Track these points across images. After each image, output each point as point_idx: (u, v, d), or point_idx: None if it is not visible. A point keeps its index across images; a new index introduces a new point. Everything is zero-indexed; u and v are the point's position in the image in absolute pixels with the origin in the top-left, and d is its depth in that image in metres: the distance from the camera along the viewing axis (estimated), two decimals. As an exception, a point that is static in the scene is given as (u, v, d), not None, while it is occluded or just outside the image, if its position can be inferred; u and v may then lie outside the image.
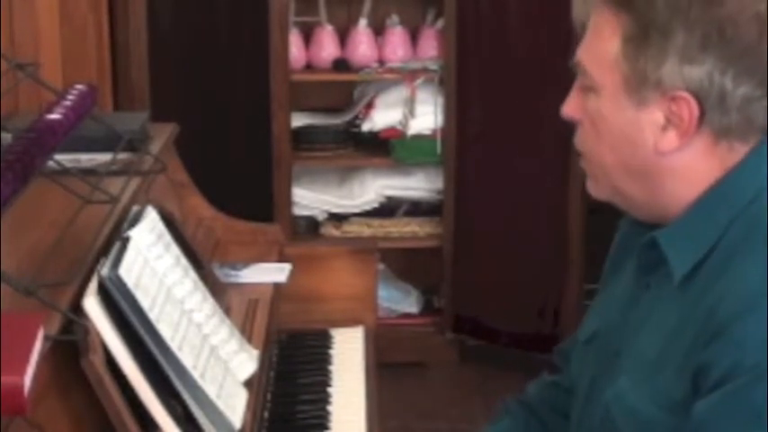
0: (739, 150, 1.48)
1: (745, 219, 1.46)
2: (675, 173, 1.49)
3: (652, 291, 1.55)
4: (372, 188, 4.19)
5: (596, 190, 1.58)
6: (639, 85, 1.47)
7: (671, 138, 1.48)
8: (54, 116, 1.83)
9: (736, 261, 1.43)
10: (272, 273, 2.34)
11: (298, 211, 4.14)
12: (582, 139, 1.57)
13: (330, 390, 2.17)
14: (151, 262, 1.73)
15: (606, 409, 1.56)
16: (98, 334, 1.53)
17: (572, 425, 1.69)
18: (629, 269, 1.61)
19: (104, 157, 2.08)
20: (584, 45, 1.54)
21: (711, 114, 1.46)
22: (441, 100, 4.05)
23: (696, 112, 1.45)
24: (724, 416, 1.38)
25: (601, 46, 1.50)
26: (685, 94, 1.45)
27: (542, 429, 1.82)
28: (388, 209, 4.24)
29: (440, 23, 4.10)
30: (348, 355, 2.33)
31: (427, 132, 4.09)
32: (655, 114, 1.47)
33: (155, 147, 2.30)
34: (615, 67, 1.48)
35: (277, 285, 2.30)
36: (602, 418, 1.57)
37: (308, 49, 4.13)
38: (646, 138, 1.49)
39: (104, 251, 1.70)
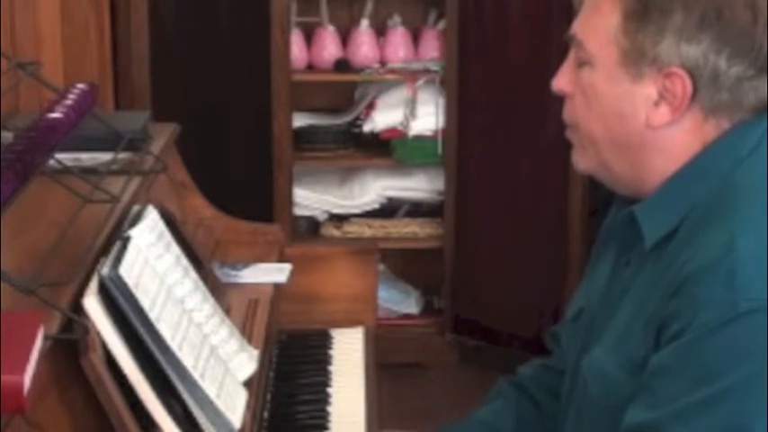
0: (724, 129, 1.53)
1: (717, 191, 1.50)
2: (662, 147, 1.53)
3: (631, 267, 1.59)
4: (373, 189, 4.19)
5: (581, 162, 1.62)
6: (637, 59, 1.51)
7: (663, 113, 1.52)
8: (55, 115, 1.83)
9: (705, 229, 1.47)
10: (273, 273, 2.34)
11: (298, 211, 4.15)
12: (572, 113, 1.60)
13: (330, 390, 2.17)
14: (151, 261, 1.73)
15: (584, 380, 1.60)
16: (98, 333, 1.53)
17: (561, 403, 1.73)
18: (612, 249, 1.66)
19: (105, 157, 2.08)
20: (582, 18, 1.57)
21: (704, 92, 1.50)
22: (442, 101, 4.05)
23: (689, 88, 1.50)
24: (675, 367, 1.43)
25: (600, 20, 1.53)
26: (680, 71, 1.49)
27: (534, 408, 1.85)
28: (388, 209, 4.24)
29: (441, 24, 4.11)
30: (348, 355, 2.33)
31: (428, 133, 4.09)
32: (649, 89, 1.52)
33: (156, 146, 2.30)
34: (613, 41, 1.52)
35: (277, 285, 2.30)
36: (583, 393, 1.61)
37: (309, 50, 4.13)
38: (638, 111, 1.53)
39: (105, 250, 1.70)
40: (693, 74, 1.49)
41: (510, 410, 1.85)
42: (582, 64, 1.56)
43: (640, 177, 1.56)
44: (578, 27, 1.57)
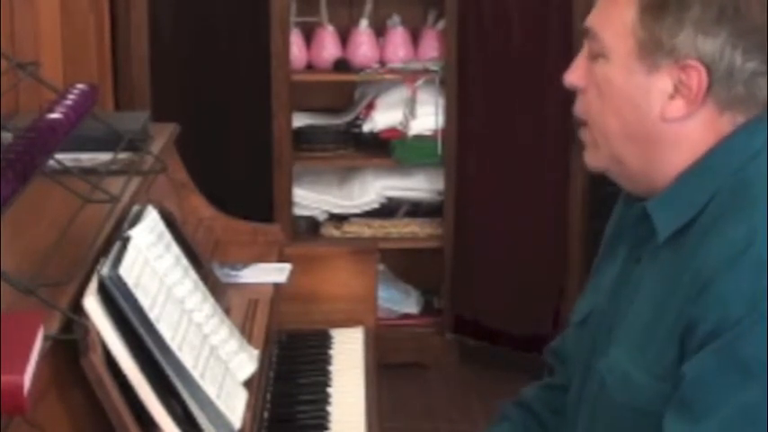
0: (739, 123, 1.52)
1: (732, 185, 1.49)
2: (676, 141, 1.53)
3: (643, 264, 1.57)
4: (373, 189, 4.19)
5: (594, 159, 1.60)
6: (653, 50, 1.51)
7: (678, 105, 1.51)
8: (55, 115, 1.83)
9: (721, 223, 1.46)
10: (272, 273, 2.34)
11: (298, 211, 4.15)
12: (585, 107, 1.59)
13: (330, 390, 2.17)
14: (151, 262, 1.73)
15: (601, 383, 1.57)
16: (98, 333, 1.53)
17: (569, 411, 1.70)
18: (623, 248, 1.64)
19: (105, 157, 2.08)
20: (598, 11, 1.57)
21: (719, 86, 1.50)
22: (441, 101, 4.05)
23: (705, 82, 1.50)
24: (714, 373, 1.40)
25: (616, 12, 1.53)
26: (697, 64, 1.49)
27: (539, 427, 1.82)
28: (388, 209, 4.24)
29: (441, 24, 4.10)
30: (348, 355, 2.33)
31: (428, 133, 4.09)
32: (664, 81, 1.51)
33: (155, 146, 2.30)
34: (630, 33, 1.52)
35: (277, 285, 2.30)
36: (597, 395, 1.59)
37: (308, 50, 4.13)
38: (652, 104, 1.52)
39: (104, 251, 1.70)
40: (709, 67, 1.49)
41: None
42: (596, 57, 1.56)
43: (654, 172, 1.55)
44: (594, 19, 1.57)
